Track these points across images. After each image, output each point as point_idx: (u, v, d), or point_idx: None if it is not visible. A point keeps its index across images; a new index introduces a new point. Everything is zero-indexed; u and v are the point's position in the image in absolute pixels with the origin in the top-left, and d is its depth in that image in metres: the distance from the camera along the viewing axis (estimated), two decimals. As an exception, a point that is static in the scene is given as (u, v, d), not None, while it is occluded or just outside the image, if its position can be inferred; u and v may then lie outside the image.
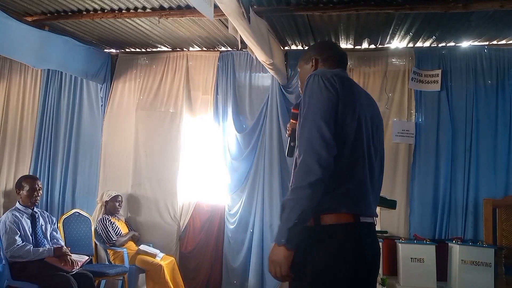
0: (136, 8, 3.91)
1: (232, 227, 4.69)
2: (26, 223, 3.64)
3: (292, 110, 2.06)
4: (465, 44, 4.43)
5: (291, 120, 2.05)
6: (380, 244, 2.76)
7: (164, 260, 4.35)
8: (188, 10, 3.80)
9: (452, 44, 4.46)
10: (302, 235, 1.47)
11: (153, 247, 4.55)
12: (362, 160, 1.58)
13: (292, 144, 2.02)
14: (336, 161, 1.51)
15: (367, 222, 1.60)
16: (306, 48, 1.99)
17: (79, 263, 3.61)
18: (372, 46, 4.62)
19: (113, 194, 4.63)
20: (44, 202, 5.05)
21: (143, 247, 4.41)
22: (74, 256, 3.65)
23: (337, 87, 1.56)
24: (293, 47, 4.77)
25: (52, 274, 3.41)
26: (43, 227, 3.77)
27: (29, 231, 3.63)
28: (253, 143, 4.71)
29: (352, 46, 4.63)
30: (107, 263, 4.48)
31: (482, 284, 3.68)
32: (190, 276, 4.68)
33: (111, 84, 5.16)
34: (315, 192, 1.46)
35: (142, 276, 4.49)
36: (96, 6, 3.92)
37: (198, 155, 4.96)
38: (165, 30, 4.40)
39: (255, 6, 3.59)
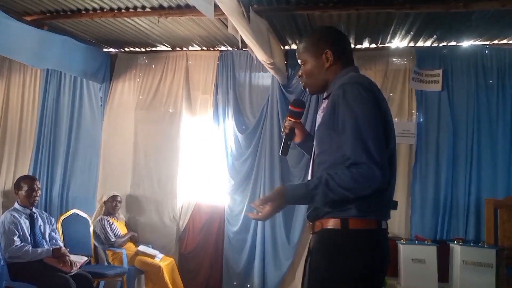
0: (135, 8, 3.90)
1: (233, 227, 4.67)
2: (25, 224, 3.62)
3: (290, 108, 1.96)
4: (466, 43, 4.41)
5: (288, 118, 1.94)
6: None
7: (163, 261, 4.34)
8: (188, 9, 3.79)
9: (453, 43, 4.44)
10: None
11: (152, 247, 4.53)
12: (392, 166, 1.57)
13: (288, 143, 1.94)
14: None
15: (385, 229, 1.60)
16: (308, 39, 1.73)
17: (78, 264, 3.60)
18: (373, 46, 4.61)
19: (112, 194, 4.61)
20: (43, 203, 5.04)
21: (142, 247, 4.40)
22: (73, 257, 3.63)
23: (377, 96, 1.53)
24: (293, 46, 4.75)
25: (50, 275, 3.40)
26: (42, 227, 3.75)
27: (28, 231, 3.62)
28: (254, 143, 4.69)
29: (352, 46, 4.61)
30: (106, 264, 4.46)
31: (484, 285, 3.65)
32: (189, 277, 4.66)
33: (110, 84, 5.14)
34: (354, 197, 1.47)
35: (141, 277, 4.47)
36: (95, 6, 3.91)
37: (197, 155, 4.94)
38: (165, 30, 4.38)
39: (255, 5, 3.57)
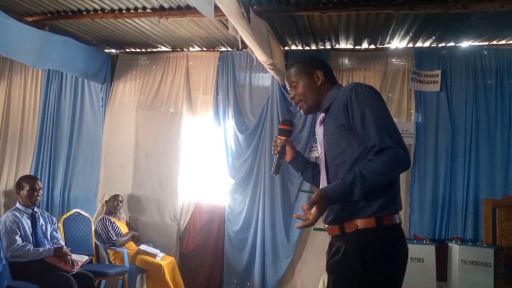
0: (136, 8, 3.92)
1: (234, 227, 4.70)
2: (26, 223, 3.64)
3: (280, 127, 2.04)
4: (465, 44, 4.43)
5: (279, 137, 2.00)
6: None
7: (164, 260, 4.36)
8: (188, 10, 3.81)
9: (452, 44, 4.46)
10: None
11: (153, 247, 4.56)
12: None
13: (280, 161, 2.00)
14: None
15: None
16: (298, 63, 1.93)
17: (79, 263, 3.62)
18: (372, 46, 4.62)
19: (113, 194, 4.63)
20: (45, 202, 5.06)
21: (143, 247, 4.42)
22: (74, 256, 3.66)
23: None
24: (293, 47, 4.77)
25: (52, 274, 3.42)
26: (43, 227, 3.77)
27: (29, 231, 3.64)
28: (255, 143, 4.72)
29: (352, 46, 4.64)
30: (107, 263, 4.48)
31: (482, 284, 3.67)
32: (190, 276, 4.68)
33: (111, 84, 5.16)
34: (388, 180, 1.62)
35: (142, 276, 4.50)
36: (96, 6, 3.93)
37: (198, 155, 4.96)
38: (165, 30, 4.40)
39: (255, 6, 3.59)
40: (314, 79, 1.84)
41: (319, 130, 1.85)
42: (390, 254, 1.63)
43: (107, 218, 4.51)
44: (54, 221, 3.96)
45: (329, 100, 1.80)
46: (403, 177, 4.35)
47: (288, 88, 1.93)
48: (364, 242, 1.62)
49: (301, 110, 1.92)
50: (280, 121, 2.10)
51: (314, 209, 1.61)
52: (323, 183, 1.81)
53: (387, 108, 1.69)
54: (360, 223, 1.64)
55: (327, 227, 1.79)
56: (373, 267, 1.60)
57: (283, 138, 2.00)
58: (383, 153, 1.58)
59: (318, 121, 1.88)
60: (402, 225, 4.58)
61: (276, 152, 1.99)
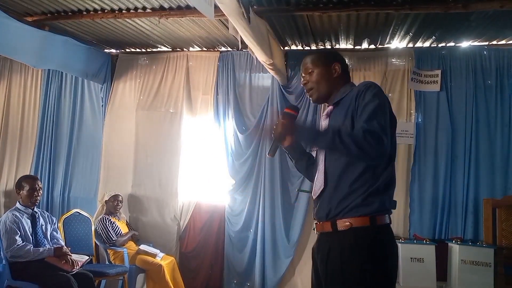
0: (136, 8, 3.92)
1: (234, 227, 4.69)
2: (26, 223, 3.64)
3: (286, 111, 1.98)
4: (465, 44, 4.43)
5: (282, 120, 1.95)
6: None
7: (164, 260, 4.36)
8: (188, 10, 3.81)
9: (452, 44, 4.46)
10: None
11: (153, 247, 4.55)
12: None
13: (278, 144, 1.99)
14: (391, 163, 1.75)
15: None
16: (318, 52, 2.15)
17: (79, 263, 3.62)
18: (372, 46, 4.62)
19: (113, 194, 4.64)
20: (45, 202, 5.06)
21: (143, 247, 4.42)
22: (74, 256, 3.66)
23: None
24: (293, 47, 4.77)
25: (52, 274, 3.42)
26: (43, 227, 3.77)
27: (29, 231, 3.64)
28: (255, 143, 4.71)
29: (352, 46, 4.63)
30: (107, 263, 4.48)
31: (482, 284, 3.68)
32: (190, 276, 4.68)
33: (111, 84, 5.16)
34: (355, 153, 1.61)
35: (142, 276, 4.50)
36: (96, 6, 3.93)
37: (198, 155, 4.96)
38: (165, 30, 4.40)
39: (255, 6, 3.59)
40: (331, 70, 1.87)
41: (324, 122, 1.87)
42: (382, 253, 1.65)
43: (107, 218, 4.51)
44: (54, 221, 3.96)
45: (340, 94, 1.83)
46: (403, 177, 4.36)
47: (302, 74, 1.93)
48: (359, 241, 1.64)
49: (310, 98, 1.94)
50: (286, 105, 2.09)
51: (279, 123, 1.75)
52: (319, 172, 1.81)
53: (389, 108, 1.74)
54: (354, 221, 1.66)
55: (317, 223, 1.79)
56: (368, 267, 1.61)
57: (285, 122, 1.97)
58: (368, 132, 1.60)
59: (324, 113, 1.90)
60: (402, 225, 4.60)
61: (275, 135, 1.97)
